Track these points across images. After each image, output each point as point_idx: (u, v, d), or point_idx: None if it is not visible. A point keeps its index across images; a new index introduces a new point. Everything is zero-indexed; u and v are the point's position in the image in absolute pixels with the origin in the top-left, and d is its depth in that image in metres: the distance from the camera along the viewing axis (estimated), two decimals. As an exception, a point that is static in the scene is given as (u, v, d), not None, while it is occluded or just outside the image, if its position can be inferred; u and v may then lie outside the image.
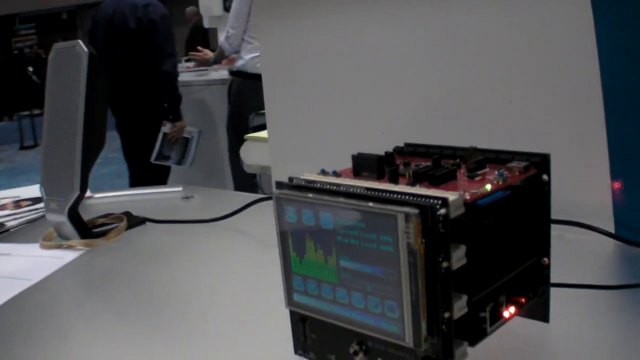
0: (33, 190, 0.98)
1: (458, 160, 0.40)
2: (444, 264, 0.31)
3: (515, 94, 0.62)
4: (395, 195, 0.32)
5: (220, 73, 4.20)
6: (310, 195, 0.35)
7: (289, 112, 0.86)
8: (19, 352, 0.48)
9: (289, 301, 0.38)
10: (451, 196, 0.31)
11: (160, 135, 2.95)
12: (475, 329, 0.36)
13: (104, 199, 0.93)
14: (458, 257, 0.32)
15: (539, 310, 0.42)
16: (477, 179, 0.37)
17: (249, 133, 3.01)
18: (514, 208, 0.37)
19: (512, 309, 0.38)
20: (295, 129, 0.86)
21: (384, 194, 0.33)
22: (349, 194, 0.33)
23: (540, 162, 0.39)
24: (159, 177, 3.02)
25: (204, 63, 3.48)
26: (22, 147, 8.70)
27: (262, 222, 0.57)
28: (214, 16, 5.11)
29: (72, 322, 0.54)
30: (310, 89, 0.83)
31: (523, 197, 0.38)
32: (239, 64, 3.30)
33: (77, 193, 0.69)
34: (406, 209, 0.30)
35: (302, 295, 0.37)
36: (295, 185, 0.37)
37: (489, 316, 0.36)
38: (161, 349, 0.46)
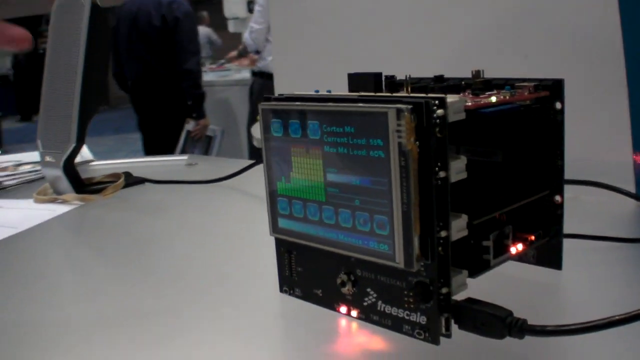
0: (32, 156, 0.96)
1: (464, 83, 0.36)
2: (441, 174, 0.28)
3: (531, 49, 0.58)
4: (388, 98, 0.29)
5: (243, 74, 4.22)
6: (298, 103, 0.32)
7: (295, 62, 0.82)
8: (-6, 290, 0.45)
9: (274, 228, 0.35)
10: (450, 98, 0.28)
11: (184, 133, 2.95)
12: (477, 259, 0.32)
13: (108, 165, 0.91)
14: (458, 168, 0.28)
15: (551, 257, 0.38)
16: (485, 94, 0.33)
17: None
18: (522, 128, 0.33)
19: (519, 246, 0.35)
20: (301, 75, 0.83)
21: (376, 97, 0.29)
22: (339, 99, 0.30)
23: (553, 86, 0.35)
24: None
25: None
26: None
27: (256, 182, 0.54)
28: (239, 19, 5.12)
29: (56, 266, 0.51)
30: (318, 41, 0.80)
31: (533, 121, 0.34)
32: (261, 64, 3.29)
33: (73, 144, 0.67)
34: (398, 105, 0.27)
35: (288, 220, 0.34)
36: (284, 97, 0.33)
37: (493, 246, 0.32)
38: (146, 292, 0.43)
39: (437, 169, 0.27)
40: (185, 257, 0.50)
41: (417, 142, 0.27)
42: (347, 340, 0.34)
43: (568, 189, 0.45)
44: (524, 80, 0.36)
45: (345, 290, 0.32)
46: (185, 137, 3.03)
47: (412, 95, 0.29)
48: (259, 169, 0.70)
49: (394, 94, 0.29)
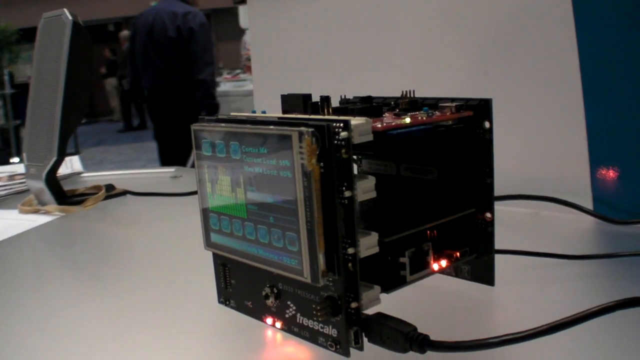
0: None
1: (393, 103, 0.38)
2: (347, 193, 0.29)
3: (492, 66, 0.59)
4: (297, 121, 0.30)
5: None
6: (223, 125, 0.33)
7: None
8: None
9: (207, 242, 0.36)
10: (355, 120, 0.29)
11: None
12: (393, 275, 0.33)
13: (95, 177, 0.93)
14: (365, 188, 0.30)
15: (483, 273, 0.39)
16: (403, 116, 0.34)
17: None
18: (440, 148, 0.34)
19: (443, 262, 0.36)
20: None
21: (286, 120, 0.31)
22: (256, 121, 0.32)
23: (479, 106, 0.36)
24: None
25: None
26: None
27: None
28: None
29: (27, 273, 0.53)
30: (293, 62, 0.81)
31: (456, 140, 0.35)
32: None
33: (54, 158, 0.69)
34: (301, 128, 0.28)
35: (218, 235, 0.35)
36: (214, 119, 0.35)
37: (409, 263, 0.33)
38: (108, 294, 0.45)
39: (343, 188, 0.29)
40: (152, 267, 0.51)
41: (321, 163, 0.28)
42: (273, 351, 0.35)
43: (528, 205, 0.46)
44: (452, 99, 0.37)
45: (269, 302, 0.34)
46: None
47: (317, 117, 0.30)
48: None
49: (304, 116, 0.31)
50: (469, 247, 0.37)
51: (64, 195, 0.72)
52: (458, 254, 0.36)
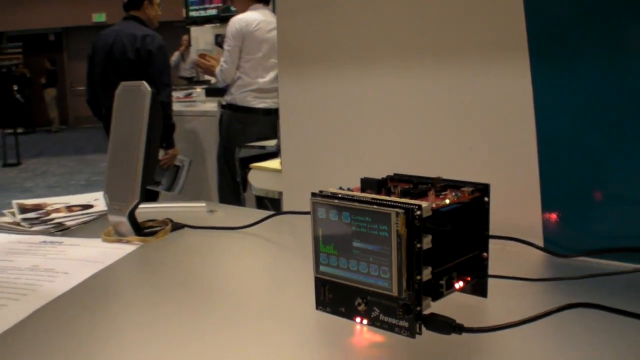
0: (78, 199, 1.18)
1: (430, 185, 0.61)
2: (418, 245, 0.51)
3: (475, 142, 0.83)
4: (390, 202, 0.53)
5: (209, 105, 4.38)
6: (336, 200, 0.55)
7: (301, 148, 1.07)
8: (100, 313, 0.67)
9: (317, 270, 0.58)
10: (424, 204, 0.52)
11: None
12: (436, 291, 0.56)
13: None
14: (426, 242, 0.52)
15: (480, 289, 0.62)
16: (440, 196, 0.57)
17: (236, 164, 3.21)
18: (463, 216, 0.57)
19: (460, 283, 0.59)
20: (304, 162, 1.07)
21: (383, 201, 0.53)
22: (361, 200, 0.54)
23: (483, 189, 0.60)
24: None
25: (208, 71, 3.65)
26: (4, 165, 8.76)
27: (275, 230, 0.78)
28: (204, 49, 5.31)
29: (134, 298, 0.73)
30: (317, 130, 1.04)
31: (470, 210, 0.59)
32: (228, 98, 3.52)
33: (137, 199, 0.89)
34: (397, 210, 0.51)
35: (325, 267, 0.57)
36: (325, 195, 0.57)
37: (445, 284, 0.56)
38: (196, 318, 0.66)
39: (416, 242, 0.51)
40: (239, 288, 0.72)
41: (406, 229, 0.51)
42: (361, 336, 0.57)
43: (498, 243, 0.69)
44: (465, 183, 0.60)
45: (360, 308, 0.56)
46: None
47: (403, 201, 0.52)
48: (280, 218, 0.93)
49: (393, 199, 0.53)
50: (474, 273, 0.61)
51: (140, 228, 0.91)
52: (469, 278, 0.60)
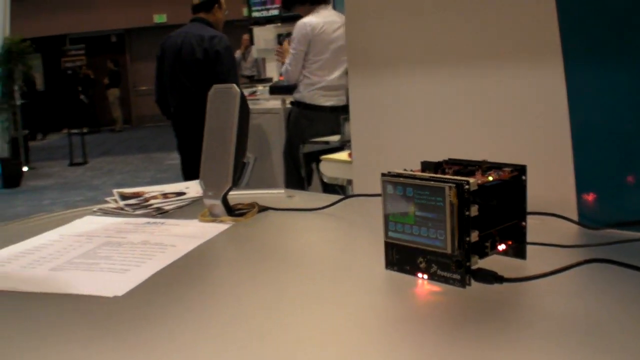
0: (171, 187, 1.36)
1: (477, 166, 0.75)
2: (467, 213, 0.65)
3: (516, 132, 0.96)
4: (444, 179, 0.67)
5: (273, 102, 4.54)
6: (402, 178, 0.70)
7: (369, 140, 1.22)
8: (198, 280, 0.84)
9: (386, 236, 0.73)
10: (471, 180, 0.66)
11: None
12: (482, 251, 0.70)
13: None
14: (474, 210, 0.66)
15: (520, 252, 0.76)
16: (485, 175, 0.71)
17: (301, 159, 3.38)
18: (504, 191, 0.71)
19: (502, 246, 0.72)
20: (372, 152, 1.22)
21: (438, 178, 0.67)
22: (422, 178, 0.68)
23: (520, 169, 0.73)
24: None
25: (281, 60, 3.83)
26: (71, 164, 9.12)
27: (347, 211, 0.93)
28: (265, 49, 5.45)
29: (231, 267, 0.89)
30: (383, 123, 1.19)
31: (510, 186, 0.72)
32: (297, 95, 3.67)
33: (229, 185, 1.05)
34: (449, 184, 0.65)
35: (393, 232, 0.72)
36: (393, 174, 0.71)
37: (490, 245, 0.70)
38: (286, 281, 0.81)
39: (465, 210, 0.65)
40: (320, 257, 0.88)
41: (457, 199, 0.65)
42: (422, 287, 0.71)
43: (537, 218, 0.82)
44: (506, 165, 0.74)
45: (422, 265, 0.70)
46: None
47: (455, 178, 0.66)
48: (351, 201, 1.08)
49: (447, 177, 0.67)
50: (514, 239, 0.74)
51: (231, 209, 1.08)
52: (510, 242, 0.73)
